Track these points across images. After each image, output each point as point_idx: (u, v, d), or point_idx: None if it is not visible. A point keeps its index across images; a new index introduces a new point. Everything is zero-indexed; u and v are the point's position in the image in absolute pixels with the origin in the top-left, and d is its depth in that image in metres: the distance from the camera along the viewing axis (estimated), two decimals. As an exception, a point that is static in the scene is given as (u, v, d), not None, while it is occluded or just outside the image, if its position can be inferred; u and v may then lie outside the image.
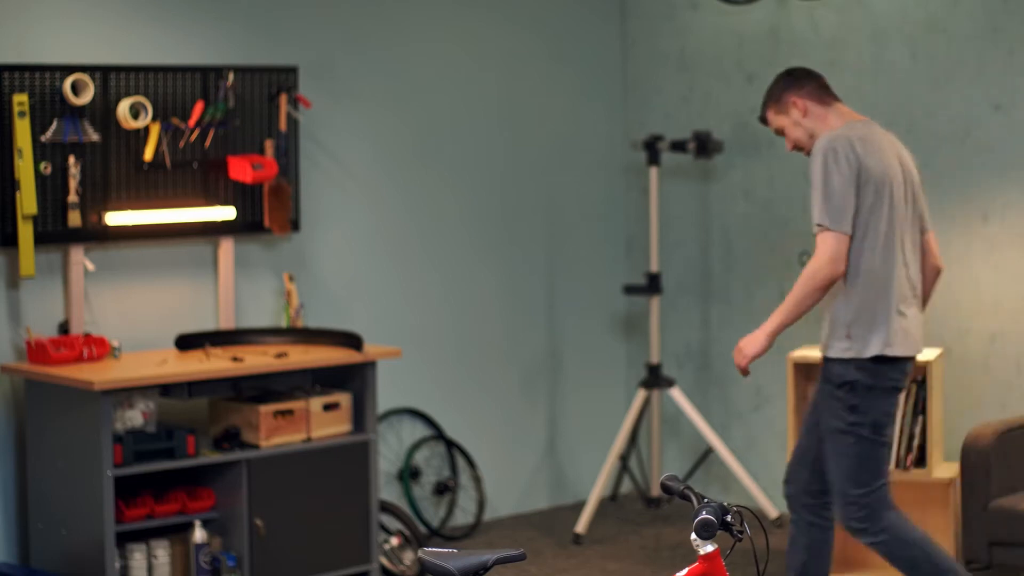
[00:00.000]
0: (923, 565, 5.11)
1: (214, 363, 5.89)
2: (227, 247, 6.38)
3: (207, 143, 6.25)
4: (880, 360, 5.08)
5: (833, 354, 5.11)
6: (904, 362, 5.14)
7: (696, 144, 7.06)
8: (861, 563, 6.32)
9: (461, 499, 7.13)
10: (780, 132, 5.30)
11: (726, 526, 3.64)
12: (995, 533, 5.64)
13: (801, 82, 5.25)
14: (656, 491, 7.26)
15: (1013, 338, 6.49)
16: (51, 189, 5.90)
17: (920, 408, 6.03)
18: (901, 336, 5.09)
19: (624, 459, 7.21)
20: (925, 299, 5.33)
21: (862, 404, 5.08)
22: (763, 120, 5.35)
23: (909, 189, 5.19)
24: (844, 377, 5.09)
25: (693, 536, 3.64)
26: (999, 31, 6.47)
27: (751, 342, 5.08)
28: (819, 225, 5.01)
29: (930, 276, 5.34)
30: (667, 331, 7.49)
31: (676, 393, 7.06)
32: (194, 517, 5.86)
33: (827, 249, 4.98)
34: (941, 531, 6.16)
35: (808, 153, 5.22)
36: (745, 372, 5.16)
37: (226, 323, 6.38)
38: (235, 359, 5.94)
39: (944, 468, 6.12)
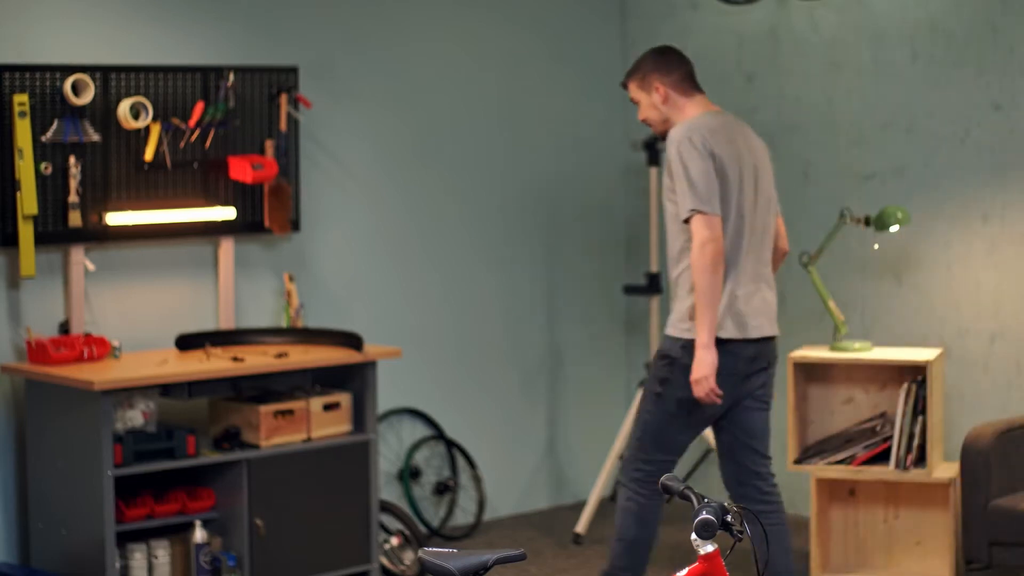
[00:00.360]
0: (632, 552, 5.38)
1: (214, 363, 5.89)
2: (227, 247, 6.38)
3: (207, 143, 6.25)
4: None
5: (671, 332, 5.32)
6: (735, 345, 5.25)
7: (696, 144, 7.05)
8: (862, 563, 6.32)
9: (461, 499, 7.13)
10: (636, 103, 5.48)
11: (726, 526, 3.64)
12: (995, 533, 5.64)
13: (669, 69, 5.41)
14: (656, 491, 7.26)
15: (1013, 338, 6.49)
16: (51, 189, 5.90)
17: (920, 408, 6.04)
18: (734, 323, 5.26)
19: (624, 459, 7.21)
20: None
21: (674, 380, 5.28)
22: (624, 86, 5.50)
23: (763, 177, 5.38)
24: (667, 351, 5.30)
25: (693, 536, 3.64)
26: (999, 31, 6.48)
27: (699, 366, 5.19)
28: (692, 211, 5.17)
29: (777, 257, 5.53)
30: (667, 331, 7.48)
31: (676, 393, 7.05)
32: (194, 517, 5.86)
33: (703, 230, 5.15)
34: (941, 531, 6.16)
35: (658, 132, 5.47)
36: (718, 397, 5.22)
37: (226, 323, 6.39)
38: (235, 359, 5.94)
39: (944, 468, 6.12)
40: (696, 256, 5.16)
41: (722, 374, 5.23)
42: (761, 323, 5.33)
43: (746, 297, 5.29)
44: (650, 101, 5.42)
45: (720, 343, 5.22)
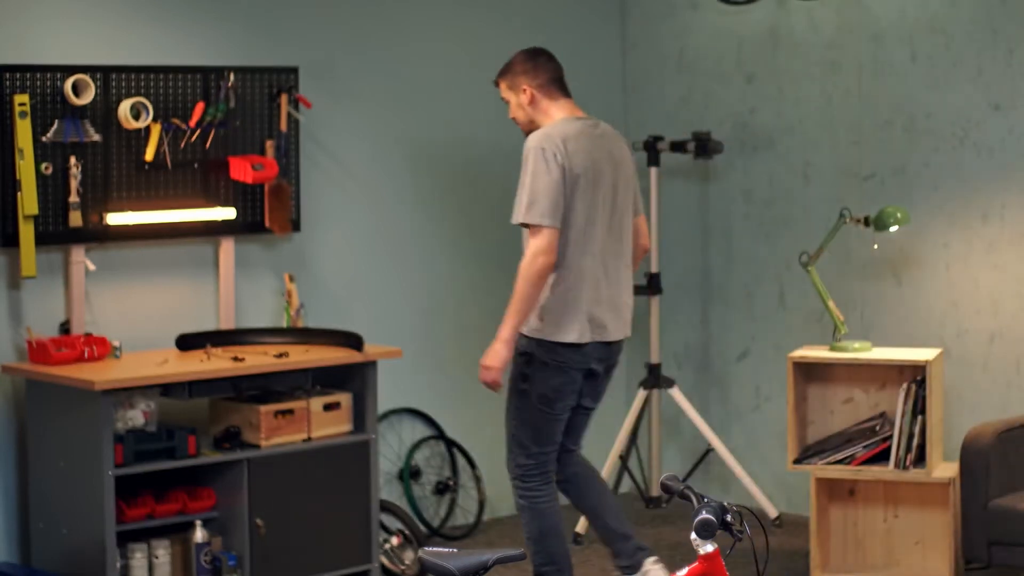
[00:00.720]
0: (545, 546, 5.59)
1: (214, 363, 5.90)
2: (228, 247, 6.38)
3: (208, 143, 6.26)
4: (565, 345, 5.47)
5: (525, 331, 5.49)
6: (591, 347, 5.51)
7: (696, 145, 7.06)
8: (861, 563, 6.33)
9: (461, 499, 7.14)
10: (506, 102, 5.69)
11: (726, 526, 3.65)
12: (994, 533, 5.64)
13: (537, 72, 5.59)
14: (656, 491, 7.27)
15: (1012, 338, 6.50)
16: (52, 189, 5.91)
17: (919, 408, 6.04)
18: (590, 327, 5.48)
19: (624, 459, 7.22)
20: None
21: (533, 375, 5.50)
22: (496, 84, 5.72)
23: (621, 181, 5.58)
24: (526, 349, 5.50)
25: (693, 536, 3.65)
26: (998, 32, 6.49)
27: (493, 356, 5.45)
28: (529, 223, 5.36)
29: (637, 254, 5.80)
30: (667, 331, 7.49)
31: (676, 393, 7.06)
32: (195, 517, 5.87)
33: (539, 243, 5.36)
34: (941, 531, 6.16)
35: (524, 132, 5.62)
36: (497, 386, 5.50)
37: (226, 323, 6.39)
38: (235, 359, 5.95)
39: (944, 468, 6.13)
40: (526, 265, 5.38)
41: (575, 370, 5.49)
42: (618, 327, 5.58)
43: (607, 301, 5.53)
44: (517, 102, 5.62)
45: (578, 346, 5.45)
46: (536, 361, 5.48)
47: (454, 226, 7.17)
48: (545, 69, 5.60)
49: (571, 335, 5.46)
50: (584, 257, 5.46)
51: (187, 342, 6.17)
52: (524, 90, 5.58)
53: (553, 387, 5.51)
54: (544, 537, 5.61)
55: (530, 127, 5.59)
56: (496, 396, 7.30)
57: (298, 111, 6.48)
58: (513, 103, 5.63)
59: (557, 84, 5.61)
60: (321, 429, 6.10)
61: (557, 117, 5.55)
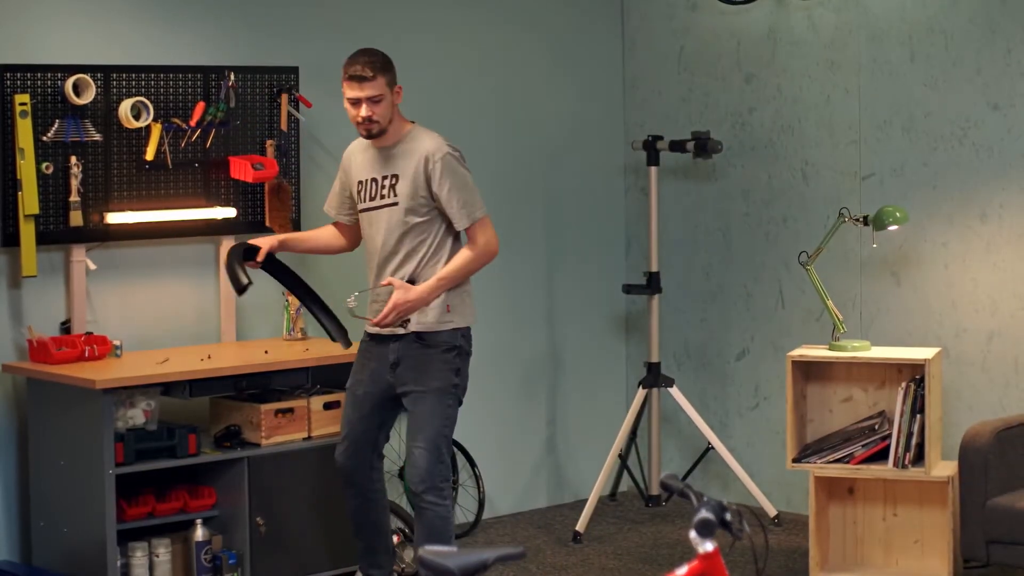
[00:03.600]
0: (446, 534, 5.51)
1: (214, 362, 5.91)
2: (228, 247, 6.39)
3: (208, 143, 6.27)
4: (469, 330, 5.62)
5: (442, 328, 5.51)
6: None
7: (695, 144, 7.07)
8: (860, 561, 6.34)
9: (461, 498, 7.15)
10: (366, 99, 5.43)
11: (725, 524, 3.66)
12: (993, 531, 5.65)
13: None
14: (655, 489, 7.28)
15: (1011, 337, 6.51)
16: (53, 189, 5.92)
17: (918, 407, 6.05)
18: (472, 309, 5.63)
19: (623, 457, 7.23)
20: None
21: (463, 368, 5.58)
22: (367, 78, 5.44)
23: None
24: (451, 343, 5.53)
25: (692, 534, 3.66)
26: (997, 32, 6.50)
27: (415, 298, 5.44)
28: (482, 216, 5.52)
29: None
30: (666, 330, 7.50)
31: (675, 392, 7.07)
32: (195, 515, 5.88)
33: (491, 230, 5.56)
34: (939, 530, 6.17)
35: (372, 133, 5.50)
36: (398, 323, 5.49)
37: (227, 323, 6.40)
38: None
39: (942, 467, 6.14)
40: (485, 251, 5.51)
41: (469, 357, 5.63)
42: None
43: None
44: (390, 101, 5.50)
45: (470, 331, 5.64)
46: (464, 353, 5.58)
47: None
48: None
49: (471, 319, 5.63)
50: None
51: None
52: (398, 90, 5.54)
53: (467, 376, 5.64)
54: (444, 534, 5.53)
55: (381, 127, 5.51)
56: (496, 396, 7.33)
57: (298, 111, 6.49)
58: (387, 102, 5.48)
59: None
60: (321, 428, 6.12)
61: (403, 120, 5.61)
